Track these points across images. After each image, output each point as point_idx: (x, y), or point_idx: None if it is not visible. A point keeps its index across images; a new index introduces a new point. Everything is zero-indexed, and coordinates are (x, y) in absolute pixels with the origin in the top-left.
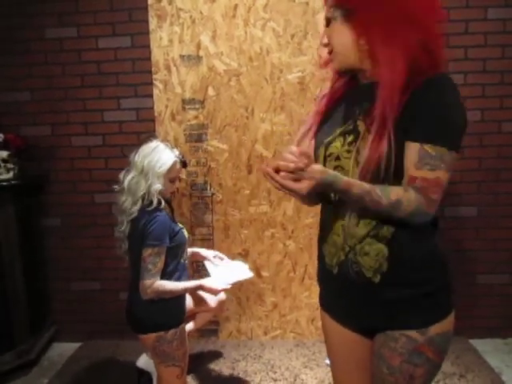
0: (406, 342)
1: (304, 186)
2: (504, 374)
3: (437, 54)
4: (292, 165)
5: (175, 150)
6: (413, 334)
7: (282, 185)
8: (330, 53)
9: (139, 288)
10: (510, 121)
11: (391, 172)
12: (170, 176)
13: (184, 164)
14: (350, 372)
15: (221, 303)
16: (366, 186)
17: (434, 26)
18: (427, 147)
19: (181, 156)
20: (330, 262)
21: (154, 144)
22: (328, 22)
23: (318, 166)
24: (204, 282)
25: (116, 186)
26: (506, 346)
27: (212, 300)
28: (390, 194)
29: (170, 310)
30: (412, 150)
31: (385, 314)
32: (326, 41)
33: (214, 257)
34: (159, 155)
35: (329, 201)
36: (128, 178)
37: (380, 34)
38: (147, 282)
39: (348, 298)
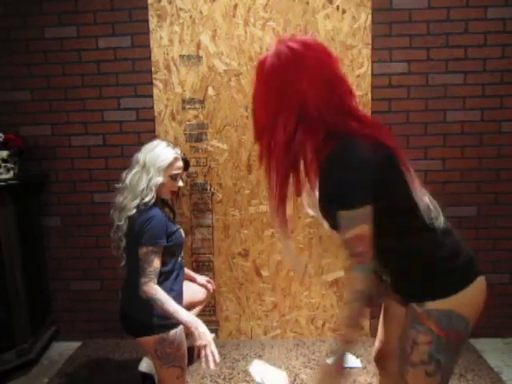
0: (411, 310)
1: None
2: (504, 374)
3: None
4: None
5: (177, 148)
6: (414, 305)
7: None
8: None
9: (138, 286)
10: (509, 121)
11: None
12: (171, 172)
13: (186, 163)
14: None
15: (208, 294)
16: (350, 326)
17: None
18: (340, 213)
19: (182, 154)
20: None
21: (156, 142)
22: None
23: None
24: (198, 326)
25: (118, 184)
26: (505, 345)
27: (201, 292)
28: (348, 301)
29: None
30: (338, 218)
31: (401, 295)
32: None
33: (208, 281)
34: (160, 151)
35: None
36: (130, 174)
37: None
38: (142, 280)
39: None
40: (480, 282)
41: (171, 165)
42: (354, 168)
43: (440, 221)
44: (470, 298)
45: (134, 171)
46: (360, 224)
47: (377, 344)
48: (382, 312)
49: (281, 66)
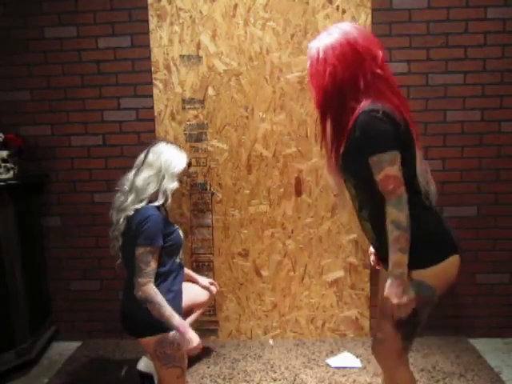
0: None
1: (408, 305)
2: (503, 374)
3: (366, 91)
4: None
5: (183, 150)
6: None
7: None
8: None
9: (134, 286)
10: (509, 120)
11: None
12: (180, 176)
13: (189, 165)
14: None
15: (211, 296)
16: (393, 249)
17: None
18: (371, 159)
19: (188, 157)
20: None
21: (165, 144)
22: None
23: (390, 296)
24: (188, 332)
25: (125, 187)
26: (505, 345)
27: (203, 294)
28: (391, 231)
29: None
30: (370, 163)
31: (384, 261)
32: None
33: (211, 283)
34: (174, 156)
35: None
36: (141, 177)
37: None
38: (141, 280)
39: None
40: (452, 261)
41: (184, 170)
42: (384, 121)
43: (431, 199)
44: (440, 273)
45: (145, 174)
46: (388, 166)
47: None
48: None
49: (330, 46)
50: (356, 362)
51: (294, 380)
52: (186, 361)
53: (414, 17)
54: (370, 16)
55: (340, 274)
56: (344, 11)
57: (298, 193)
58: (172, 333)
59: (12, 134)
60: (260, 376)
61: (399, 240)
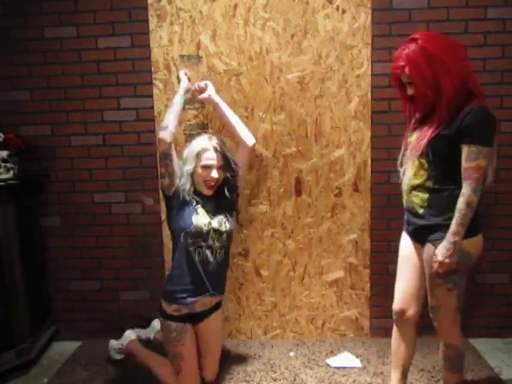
0: (432, 248)
1: (449, 265)
2: (503, 374)
3: (471, 90)
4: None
5: (214, 138)
6: (437, 242)
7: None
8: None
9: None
10: (509, 121)
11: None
12: (202, 163)
13: (226, 159)
14: (409, 268)
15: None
16: (457, 222)
17: (461, 75)
18: (471, 147)
19: (227, 153)
20: (403, 199)
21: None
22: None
23: (439, 255)
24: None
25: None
26: (505, 345)
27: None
28: (461, 209)
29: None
30: (464, 150)
31: (424, 231)
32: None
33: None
34: (195, 142)
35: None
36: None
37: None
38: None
39: (409, 220)
40: (481, 236)
41: (200, 154)
42: (495, 120)
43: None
44: (477, 243)
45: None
46: (483, 158)
47: (400, 295)
48: (403, 264)
49: (436, 49)
50: (356, 362)
51: (294, 380)
52: (178, 362)
53: (413, 17)
54: (369, 16)
55: (340, 274)
56: (344, 11)
57: (298, 193)
58: (167, 323)
59: (12, 134)
60: (260, 376)
61: (466, 217)
